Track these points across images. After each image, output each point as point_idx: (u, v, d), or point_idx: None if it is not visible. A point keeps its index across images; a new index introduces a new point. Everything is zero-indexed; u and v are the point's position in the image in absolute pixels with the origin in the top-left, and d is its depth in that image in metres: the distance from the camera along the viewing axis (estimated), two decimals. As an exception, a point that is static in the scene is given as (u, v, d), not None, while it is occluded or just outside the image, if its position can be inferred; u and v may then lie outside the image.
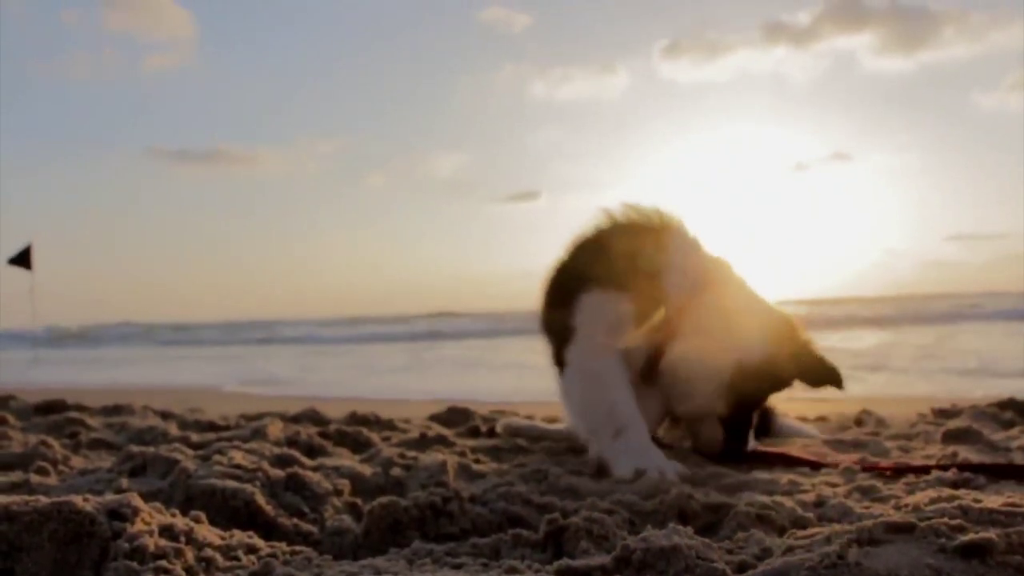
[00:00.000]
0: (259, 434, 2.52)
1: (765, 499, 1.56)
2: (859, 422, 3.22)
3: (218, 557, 1.24)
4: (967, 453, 2.20)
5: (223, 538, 1.33)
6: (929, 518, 1.18)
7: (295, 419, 3.10)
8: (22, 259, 11.68)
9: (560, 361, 2.20)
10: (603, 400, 2.06)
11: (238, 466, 1.79)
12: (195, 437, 2.58)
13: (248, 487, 1.63)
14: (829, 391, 2.19)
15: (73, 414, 3.09)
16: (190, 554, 1.21)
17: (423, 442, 2.53)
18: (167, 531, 1.26)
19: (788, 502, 1.56)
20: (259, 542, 1.35)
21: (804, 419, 3.14)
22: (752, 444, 2.27)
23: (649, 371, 2.17)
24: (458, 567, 1.23)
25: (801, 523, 1.45)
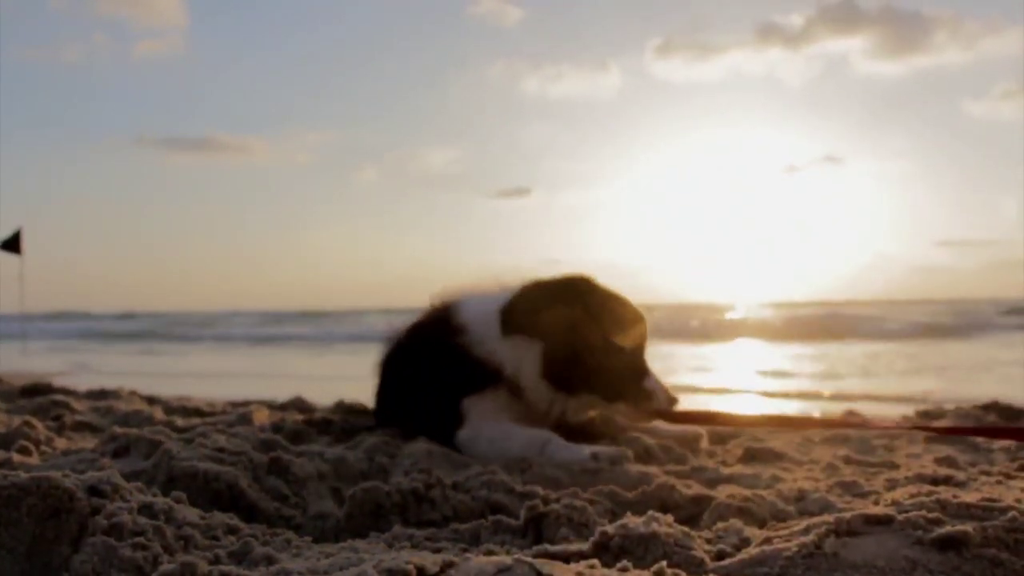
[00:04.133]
0: (244, 420, 2.51)
1: (746, 492, 1.56)
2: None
3: (197, 536, 1.24)
4: (950, 452, 2.22)
5: (203, 518, 1.32)
6: (907, 511, 1.19)
7: (282, 407, 3.09)
8: (12, 244, 11.60)
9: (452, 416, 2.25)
10: (514, 434, 2.14)
11: (221, 449, 1.78)
12: (180, 422, 2.57)
13: (231, 470, 1.62)
14: None
15: (58, 397, 3.07)
16: (169, 532, 1.21)
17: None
18: (146, 509, 1.25)
19: (769, 495, 1.57)
20: (239, 523, 1.35)
21: None
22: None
23: None
24: (437, 551, 1.23)
25: (781, 516, 1.46)
